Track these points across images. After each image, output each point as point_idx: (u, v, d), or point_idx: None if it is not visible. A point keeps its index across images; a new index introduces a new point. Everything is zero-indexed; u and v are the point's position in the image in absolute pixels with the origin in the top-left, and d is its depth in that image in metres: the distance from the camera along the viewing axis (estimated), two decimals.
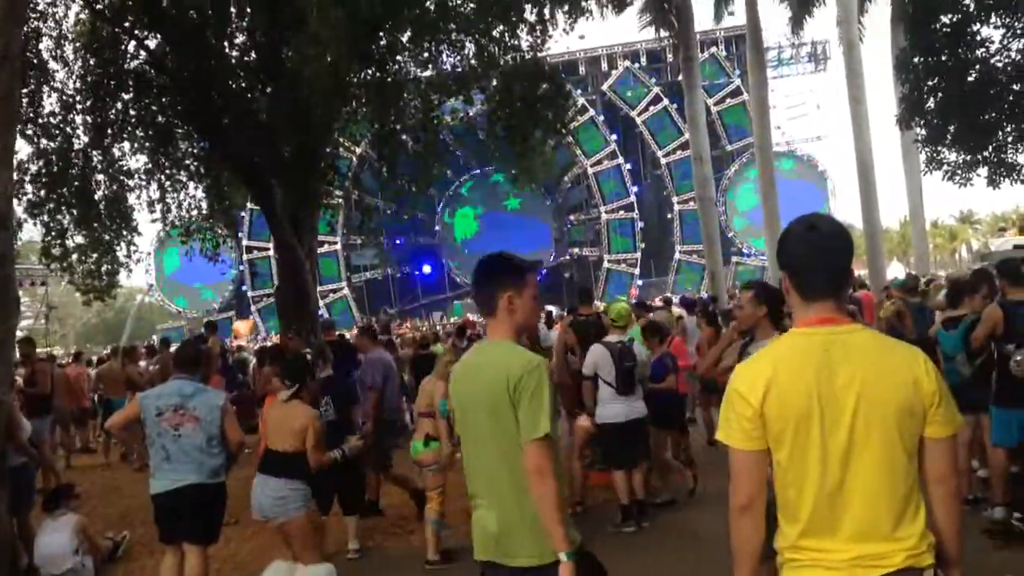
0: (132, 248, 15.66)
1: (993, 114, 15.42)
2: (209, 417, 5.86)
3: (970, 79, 15.53)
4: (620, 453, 7.54)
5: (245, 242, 44.27)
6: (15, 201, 10.91)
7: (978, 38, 15.46)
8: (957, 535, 2.38)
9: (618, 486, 7.55)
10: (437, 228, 48.81)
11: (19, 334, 9.44)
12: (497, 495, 3.10)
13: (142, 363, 15.72)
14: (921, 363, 2.34)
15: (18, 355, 10.38)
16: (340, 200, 19.73)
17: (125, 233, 15.58)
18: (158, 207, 16.16)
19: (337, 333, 13.84)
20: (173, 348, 12.45)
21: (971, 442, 6.71)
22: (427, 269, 48.45)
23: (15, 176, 10.01)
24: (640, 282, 45.82)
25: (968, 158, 16.10)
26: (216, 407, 5.92)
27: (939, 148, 16.32)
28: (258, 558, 7.79)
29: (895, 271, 29.75)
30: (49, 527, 7.34)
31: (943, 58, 15.63)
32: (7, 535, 7.16)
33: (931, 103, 16.11)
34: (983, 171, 16.11)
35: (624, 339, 7.80)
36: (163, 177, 15.95)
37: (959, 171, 16.26)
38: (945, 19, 15.55)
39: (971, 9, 15.28)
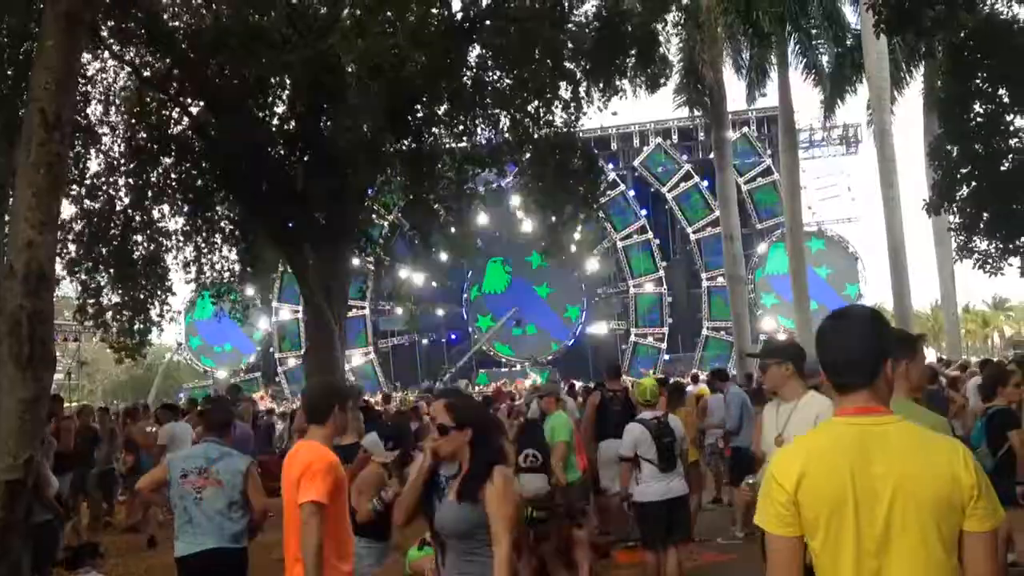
0: (166, 308, 15.87)
1: None
2: (232, 481, 5.83)
3: (1003, 168, 15.59)
4: (659, 532, 7.35)
5: (275, 304, 44.67)
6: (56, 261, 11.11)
7: (1012, 128, 15.55)
8: None
9: (649, 564, 7.38)
10: (465, 296, 49.03)
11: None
12: None
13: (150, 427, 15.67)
14: (960, 456, 2.32)
15: None
16: (371, 267, 19.96)
17: (160, 292, 15.81)
18: (193, 268, 16.43)
19: (363, 399, 13.86)
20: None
21: (1007, 536, 6.59)
22: (453, 337, 48.58)
23: (58, 235, 10.23)
24: (667, 357, 45.59)
25: (1000, 247, 16.06)
26: (239, 472, 5.89)
27: (971, 236, 16.31)
28: None
29: (927, 355, 29.44)
30: None
31: (976, 146, 15.71)
32: None
33: (963, 191, 16.15)
34: (1015, 260, 16.06)
35: (659, 415, 7.74)
36: (200, 239, 16.24)
37: (991, 260, 16.21)
38: (979, 108, 15.67)
39: (1005, 99, 15.41)
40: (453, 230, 17.76)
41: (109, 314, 15.17)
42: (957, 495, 2.27)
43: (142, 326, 15.51)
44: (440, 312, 45.92)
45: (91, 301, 14.88)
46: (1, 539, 6.90)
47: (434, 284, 40.63)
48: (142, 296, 15.41)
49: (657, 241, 47.07)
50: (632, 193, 46.98)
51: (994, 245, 16.16)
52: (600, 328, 47.82)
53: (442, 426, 3.69)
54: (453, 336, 48.72)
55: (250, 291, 18.39)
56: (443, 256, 21.78)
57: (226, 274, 17.09)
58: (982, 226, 16.04)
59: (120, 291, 15.22)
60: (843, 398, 2.47)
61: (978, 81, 15.45)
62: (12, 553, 6.95)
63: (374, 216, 19.30)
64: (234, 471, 5.86)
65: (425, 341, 48.17)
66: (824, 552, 2.36)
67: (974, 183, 15.97)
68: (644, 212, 47.04)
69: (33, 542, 7.23)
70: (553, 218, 16.93)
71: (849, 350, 2.46)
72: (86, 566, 7.54)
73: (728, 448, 11.06)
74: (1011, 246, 15.94)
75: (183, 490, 5.85)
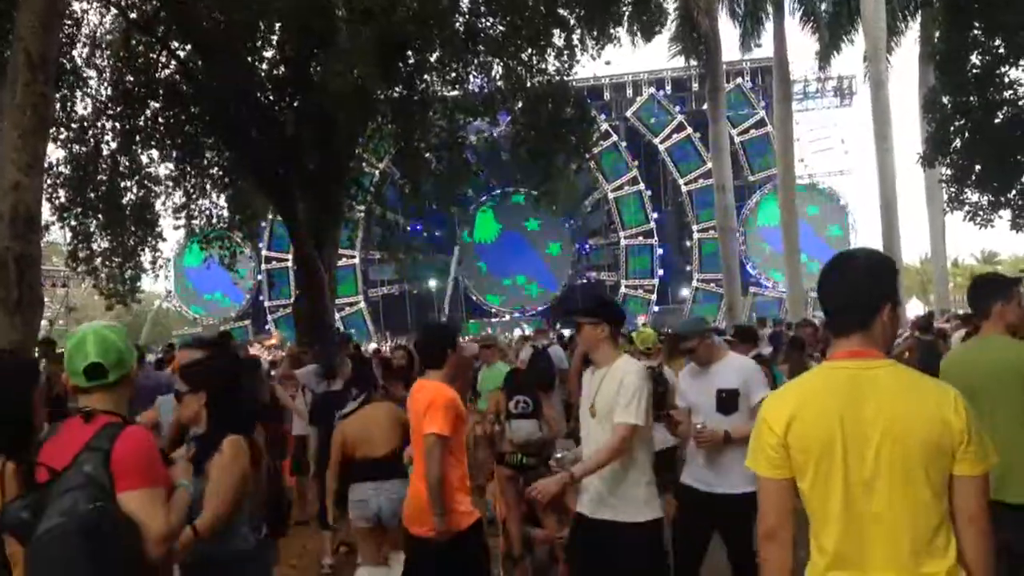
0: (156, 254, 15.80)
1: (1019, 156, 15.38)
2: None
3: (997, 120, 15.52)
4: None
5: (264, 252, 44.51)
6: (44, 204, 11.02)
7: (1007, 80, 15.45)
8: (986, 574, 2.32)
9: None
10: (455, 246, 48.92)
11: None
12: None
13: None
14: (951, 400, 2.31)
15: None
16: (361, 215, 19.86)
17: (150, 239, 15.74)
18: (182, 214, 16.32)
19: (353, 345, 13.85)
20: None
21: None
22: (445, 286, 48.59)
23: (45, 179, 10.14)
24: (657, 308, 45.73)
25: (991, 199, 16.06)
26: None
27: (963, 188, 16.29)
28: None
29: (915, 308, 29.57)
30: None
31: (971, 98, 15.62)
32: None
33: (957, 143, 16.09)
34: (1006, 213, 16.06)
35: (655, 364, 7.75)
36: (189, 185, 16.11)
37: (981, 212, 16.22)
38: (975, 60, 15.55)
39: (1001, 51, 15.28)
40: (443, 179, 17.65)
41: (99, 260, 15.10)
42: (947, 439, 2.28)
43: (132, 272, 15.45)
44: (436, 258, 45.90)
45: (82, 247, 14.80)
46: None
47: (424, 233, 40.54)
48: (132, 242, 15.33)
49: (649, 193, 46.94)
50: (624, 144, 46.72)
51: (986, 198, 16.16)
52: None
53: (177, 392, 3.45)
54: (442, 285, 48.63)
55: (239, 238, 18.27)
56: (433, 205, 21.68)
57: (215, 220, 17.01)
58: (974, 178, 16.02)
59: (109, 237, 15.13)
60: (837, 341, 2.48)
61: (975, 31, 15.32)
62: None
63: (364, 164, 19.15)
64: None
65: (415, 291, 48.15)
66: (813, 493, 2.39)
67: (968, 135, 15.91)
68: (636, 163, 46.83)
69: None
70: (545, 168, 16.82)
71: (843, 294, 2.47)
72: None
73: None
74: (1002, 199, 15.94)
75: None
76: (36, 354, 10.10)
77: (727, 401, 4.91)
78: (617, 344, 4.51)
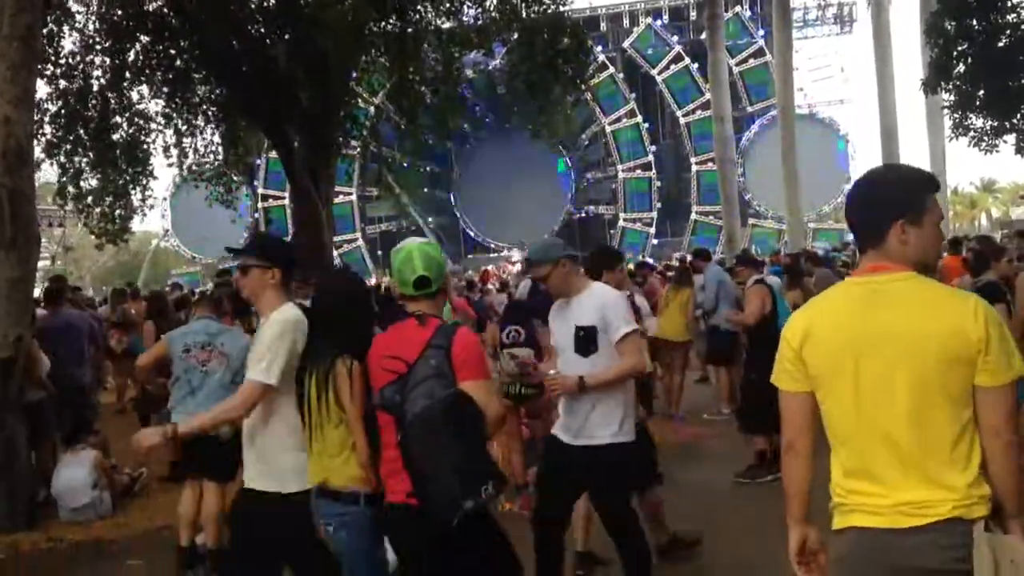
0: (147, 193, 15.67)
1: (1023, 80, 15.20)
2: (237, 355, 5.97)
3: (1001, 44, 15.30)
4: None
5: (260, 190, 44.23)
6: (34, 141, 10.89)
7: (1010, 3, 15.20)
8: (1014, 489, 2.30)
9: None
10: (453, 181, 48.63)
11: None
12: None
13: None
14: (971, 309, 2.28)
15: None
16: (357, 151, 19.67)
17: (141, 178, 15.60)
18: (174, 152, 16.15)
19: None
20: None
21: None
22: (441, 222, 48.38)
23: (35, 115, 10.01)
24: (656, 241, 45.67)
25: (996, 124, 15.90)
26: (244, 345, 6.04)
27: (966, 114, 16.12)
28: None
29: None
30: (68, 462, 7.44)
31: (974, 22, 15.38)
32: (26, 468, 7.30)
33: (960, 68, 15.89)
34: (1010, 138, 15.93)
35: (627, 294, 7.78)
36: (180, 122, 15.91)
37: (986, 137, 16.07)
38: None
39: None
40: (439, 113, 17.43)
41: (90, 198, 14.99)
42: (965, 349, 2.25)
43: (123, 211, 15.35)
44: (433, 194, 45.74)
45: (72, 184, 14.67)
46: None
47: (420, 169, 40.28)
48: (122, 181, 15.19)
49: (646, 125, 46.52)
50: (621, 76, 46.13)
51: (990, 123, 16.00)
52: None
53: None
54: (440, 220, 48.46)
55: (235, 176, 18.11)
56: (429, 140, 21.47)
57: (209, 158, 16.84)
58: (978, 104, 15.85)
59: (99, 176, 14.99)
60: (862, 257, 2.52)
61: None
62: (6, 429, 7.03)
63: (359, 100, 18.90)
64: (239, 345, 5.99)
65: (413, 227, 48.01)
66: (829, 403, 2.43)
67: (971, 60, 15.70)
68: (633, 95, 46.31)
69: (27, 419, 7.29)
70: (541, 100, 16.60)
71: (854, 211, 2.51)
72: (82, 443, 7.61)
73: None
74: (1007, 124, 15.79)
75: (187, 364, 5.96)
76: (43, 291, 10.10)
77: (585, 340, 4.33)
78: (288, 291, 3.97)
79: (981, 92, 15.74)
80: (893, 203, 2.42)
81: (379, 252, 46.70)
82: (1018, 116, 15.67)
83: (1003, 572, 2.19)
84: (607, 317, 4.26)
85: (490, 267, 32.75)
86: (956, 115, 16.44)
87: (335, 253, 27.58)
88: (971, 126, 16.23)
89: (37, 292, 9.84)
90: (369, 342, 3.48)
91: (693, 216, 45.66)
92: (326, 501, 3.45)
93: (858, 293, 2.42)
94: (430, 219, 47.58)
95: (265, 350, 3.60)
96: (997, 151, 16.21)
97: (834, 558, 2.46)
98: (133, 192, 15.58)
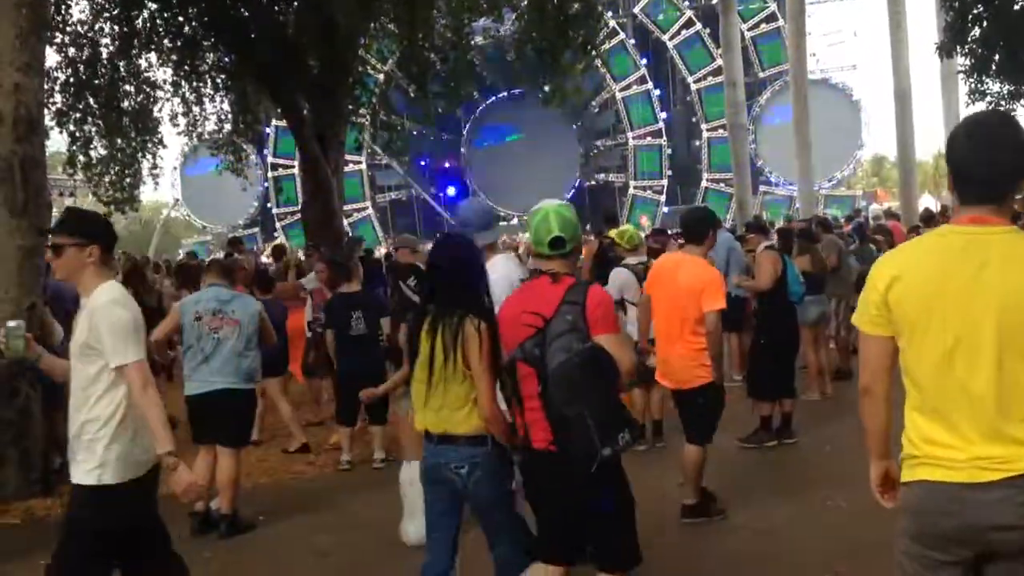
0: (159, 159, 15.66)
1: None
2: (248, 321, 6.06)
3: (1017, 7, 15.09)
4: (645, 370, 7.51)
5: (270, 159, 44.10)
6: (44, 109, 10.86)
7: None
8: None
9: (636, 403, 7.58)
10: (463, 150, 48.37)
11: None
12: None
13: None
14: None
15: None
16: (367, 119, 19.56)
17: (150, 146, 15.58)
18: (183, 120, 16.10)
19: (364, 248, 13.83)
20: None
21: None
22: (452, 191, 48.15)
23: (44, 84, 9.98)
24: (666, 209, 45.40)
25: (1012, 89, 15.73)
26: (255, 312, 6.15)
27: (982, 78, 15.93)
28: (287, 464, 7.98)
29: (926, 204, 29.30)
30: None
31: None
32: (40, 434, 7.35)
33: (976, 31, 15.68)
34: None
35: (644, 260, 7.82)
36: (188, 90, 15.84)
37: (1003, 102, 15.90)
38: None
39: None
40: (449, 80, 17.30)
41: (99, 167, 14.99)
42: None
43: (131, 180, 15.35)
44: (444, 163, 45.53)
45: (81, 152, 14.66)
46: (8, 382, 7.01)
47: (430, 137, 40.09)
48: (131, 149, 15.18)
49: (657, 91, 46.11)
50: (632, 42, 45.68)
51: (1006, 87, 15.83)
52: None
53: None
54: (453, 189, 48.28)
55: (244, 144, 18.06)
56: (439, 108, 21.34)
57: (218, 125, 16.79)
58: (994, 68, 15.65)
59: (107, 144, 14.98)
60: (963, 207, 2.40)
61: None
62: (20, 397, 7.08)
63: (369, 67, 18.78)
64: (250, 311, 6.08)
65: (423, 196, 47.92)
66: (910, 351, 2.40)
67: (986, 23, 15.49)
68: (644, 62, 45.89)
69: (41, 386, 7.33)
70: (551, 66, 16.45)
71: (984, 163, 2.36)
72: None
73: None
74: (1023, 88, 15.61)
75: (199, 331, 6.01)
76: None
77: None
78: (108, 267, 3.88)
79: (997, 56, 15.55)
80: (1021, 155, 2.36)
81: (389, 221, 46.71)
82: None
83: None
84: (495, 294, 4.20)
85: (503, 237, 32.66)
86: (971, 80, 16.25)
87: (345, 222, 27.56)
88: (987, 91, 16.05)
89: None
90: (483, 301, 3.69)
91: (704, 184, 45.38)
92: (453, 447, 3.63)
93: (957, 243, 2.36)
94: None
95: (117, 339, 3.51)
96: (1014, 116, 16.03)
97: (901, 508, 2.47)
98: (142, 160, 15.58)
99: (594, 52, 17.62)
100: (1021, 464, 2.22)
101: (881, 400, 2.52)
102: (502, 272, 4.28)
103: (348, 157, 27.79)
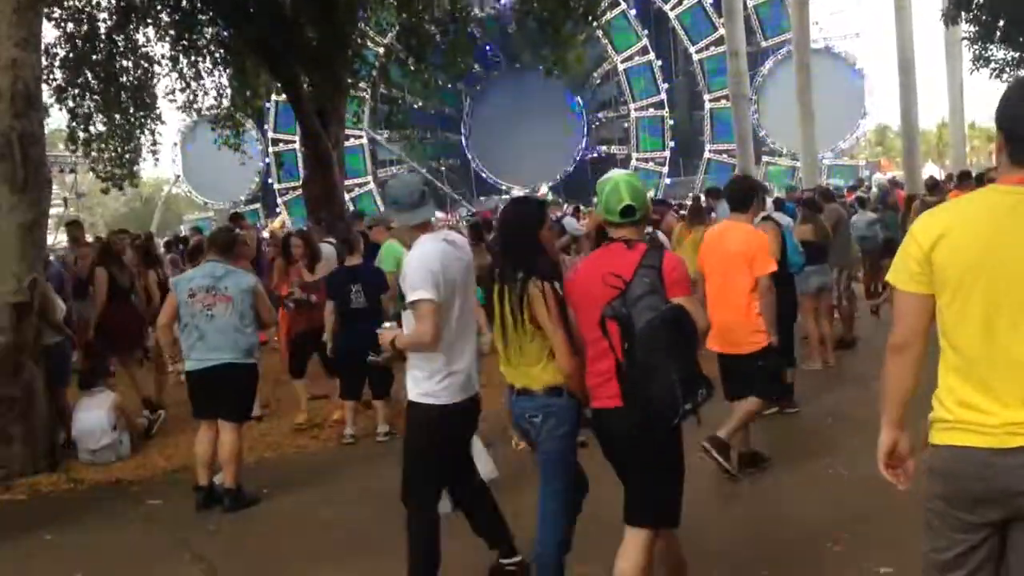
0: (158, 135, 15.61)
1: None
2: (241, 297, 6.00)
3: None
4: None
5: (271, 134, 43.96)
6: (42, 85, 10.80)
7: None
8: None
9: None
10: (463, 123, 48.15)
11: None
12: None
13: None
14: None
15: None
16: (367, 93, 19.45)
17: (148, 121, 15.53)
18: (180, 96, 16.03)
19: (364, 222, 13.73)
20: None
21: None
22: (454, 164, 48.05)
23: (43, 60, 9.93)
24: (668, 181, 45.27)
25: (1016, 56, 15.60)
26: (248, 287, 6.07)
27: (987, 45, 15.80)
28: (290, 438, 8.00)
29: (930, 173, 29.19)
30: (86, 404, 7.51)
31: None
32: (45, 411, 7.38)
33: None
34: None
35: (648, 231, 7.78)
36: (187, 65, 15.75)
37: (1008, 69, 15.78)
38: None
39: None
40: (448, 53, 17.18)
41: (97, 143, 14.96)
42: None
43: (130, 155, 15.31)
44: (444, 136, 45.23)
45: (81, 127, 14.62)
46: (12, 359, 7.03)
47: (431, 111, 39.90)
48: (129, 124, 15.13)
49: (659, 62, 45.83)
50: (633, 12, 45.31)
51: (1012, 54, 15.70)
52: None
53: None
54: (452, 162, 48.14)
55: (243, 119, 17.98)
56: (439, 80, 21.21)
57: (218, 101, 16.71)
58: (998, 35, 15.52)
59: (106, 120, 14.93)
60: (1013, 168, 2.32)
61: None
62: (24, 373, 7.10)
63: (368, 41, 18.66)
64: (243, 287, 6.01)
65: (425, 169, 47.77)
66: (949, 312, 2.34)
67: None
68: (645, 32, 45.56)
69: (45, 363, 7.35)
70: (552, 37, 16.32)
71: None
72: (99, 385, 7.68)
73: None
74: None
75: (193, 308, 5.98)
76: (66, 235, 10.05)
77: (401, 299, 4.25)
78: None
79: (1001, 23, 15.40)
80: None
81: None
82: None
83: None
84: (404, 276, 4.09)
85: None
86: (976, 47, 16.12)
87: (347, 196, 27.50)
88: (991, 58, 15.92)
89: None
90: (547, 262, 3.94)
91: (707, 155, 45.17)
92: (530, 398, 3.91)
93: (1006, 204, 2.29)
94: (438, 161, 47.22)
95: None
96: None
97: (929, 469, 2.43)
98: (140, 136, 15.53)
99: (595, 22, 17.49)
100: None
101: (915, 361, 2.45)
102: (417, 259, 4.02)
103: (349, 132, 27.74)
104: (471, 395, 4.18)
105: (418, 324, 3.97)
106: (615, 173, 3.92)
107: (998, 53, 15.84)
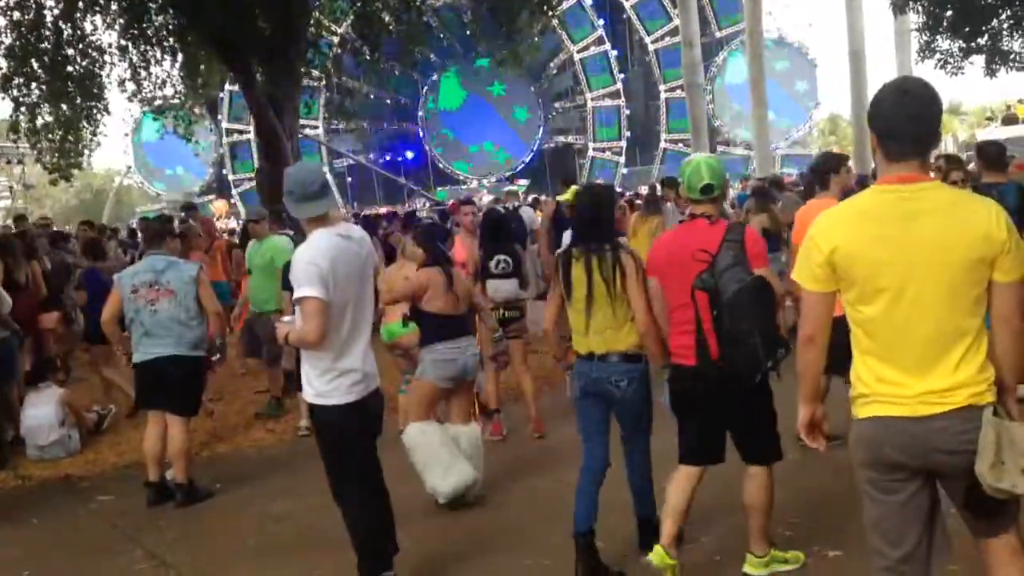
0: (101, 126, 15.35)
1: (990, 1, 15.11)
2: (184, 289, 5.91)
3: None
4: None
5: (225, 124, 43.39)
6: None
7: None
8: (1012, 366, 2.61)
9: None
10: (420, 114, 47.88)
11: None
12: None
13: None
14: (994, 215, 2.51)
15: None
16: (321, 83, 19.26)
17: (95, 112, 15.25)
18: (129, 85, 15.76)
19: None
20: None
21: None
22: (410, 155, 47.73)
23: None
24: (625, 171, 45.44)
25: (963, 46, 15.86)
26: (190, 278, 5.95)
27: (934, 36, 16.05)
28: (242, 432, 7.92)
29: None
30: (33, 400, 7.37)
31: None
32: None
33: None
34: (978, 59, 15.92)
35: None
36: (136, 54, 15.48)
37: (952, 59, 16.05)
38: None
39: None
40: (403, 41, 17.05)
41: (42, 133, 14.68)
42: (988, 252, 2.49)
43: (73, 146, 15.04)
44: (401, 127, 44.94)
45: (25, 118, 14.32)
46: None
47: (387, 101, 39.61)
48: (71, 114, 14.86)
49: (615, 52, 45.96)
50: (589, 2, 45.36)
51: (957, 45, 15.96)
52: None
53: None
54: (411, 153, 47.85)
55: (196, 109, 17.72)
56: (395, 70, 21.06)
57: (168, 90, 16.46)
58: (945, 24, 15.76)
59: (51, 110, 14.66)
60: (891, 165, 2.59)
61: None
62: None
63: (322, 30, 18.47)
64: (184, 279, 5.91)
65: (381, 161, 47.46)
66: (860, 303, 2.62)
67: None
68: (602, 22, 45.65)
69: None
70: (507, 27, 16.27)
71: (908, 121, 2.55)
72: (46, 381, 7.55)
73: None
74: (973, 45, 15.75)
75: (136, 304, 5.89)
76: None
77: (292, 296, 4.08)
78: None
79: (949, 13, 15.65)
80: (939, 116, 2.59)
81: (347, 187, 46.12)
82: (985, 38, 15.63)
83: (1003, 450, 2.47)
84: (293, 274, 3.96)
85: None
86: (924, 37, 16.36)
87: None
88: (937, 48, 16.18)
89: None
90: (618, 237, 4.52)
91: (662, 144, 45.41)
92: (614, 362, 4.31)
93: (889, 202, 2.56)
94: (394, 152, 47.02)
95: None
96: (963, 73, 16.24)
97: (854, 439, 2.71)
98: (85, 127, 15.25)
99: (550, 12, 17.50)
100: (959, 397, 2.51)
101: (822, 349, 2.77)
102: (307, 254, 3.89)
103: (304, 122, 27.48)
104: (366, 394, 4.07)
105: (304, 322, 3.86)
106: (697, 156, 4.35)
107: (943, 43, 16.08)
